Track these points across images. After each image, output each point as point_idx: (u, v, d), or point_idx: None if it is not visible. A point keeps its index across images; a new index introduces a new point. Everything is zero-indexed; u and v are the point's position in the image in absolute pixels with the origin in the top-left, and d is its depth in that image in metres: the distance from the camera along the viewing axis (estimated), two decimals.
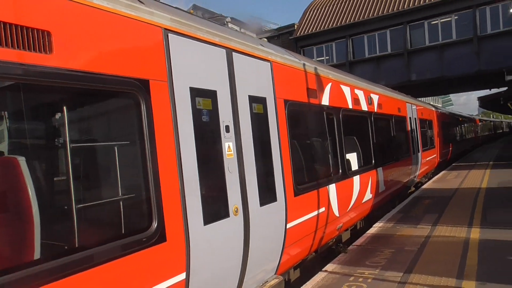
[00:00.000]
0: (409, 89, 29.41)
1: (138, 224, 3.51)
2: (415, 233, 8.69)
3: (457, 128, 32.44)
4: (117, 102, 3.59)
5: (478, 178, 17.00)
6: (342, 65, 28.13)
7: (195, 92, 4.13)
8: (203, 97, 4.25)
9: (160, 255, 3.53)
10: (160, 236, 3.54)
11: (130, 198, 3.50)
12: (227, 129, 4.60)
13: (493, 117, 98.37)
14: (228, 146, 4.60)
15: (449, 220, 9.64)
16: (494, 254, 6.78)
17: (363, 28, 27.65)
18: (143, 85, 3.51)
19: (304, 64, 6.80)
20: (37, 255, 2.76)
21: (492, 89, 36.73)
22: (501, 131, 76.95)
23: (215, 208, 4.33)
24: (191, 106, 4.06)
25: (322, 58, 29.70)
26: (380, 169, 10.45)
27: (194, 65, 4.21)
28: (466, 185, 15.27)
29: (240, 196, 4.73)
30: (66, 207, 3.08)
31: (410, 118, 15.02)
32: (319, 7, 30.97)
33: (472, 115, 56.36)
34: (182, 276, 3.78)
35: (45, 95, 3.17)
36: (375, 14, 27.11)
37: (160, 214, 3.55)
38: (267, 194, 5.26)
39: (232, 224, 4.58)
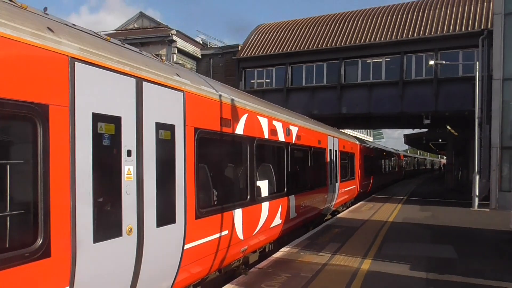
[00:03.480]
0: (341, 120, 31.17)
1: (22, 240, 3.71)
2: (315, 260, 9.34)
3: (380, 161, 34.57)
4: (13, 124, 3.80)
5: (389, 212, 18.32)
6: (280, 90, 29.24)
7: (98, 118, 4.42)
8: (106, 122, 4.54)
9: (43, 270, 3.74)
10: (44, 252, 3.76)
11: (16, 215, 3.70)
12: (129, 153, 4.91)
13: (420, 154, 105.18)
14: (128, 169, 4.90)
15: (349, 250, 10.42)
16: (375, 285, 7.53)
17: (302, 58, 28.98)
18: (42, 109, 3.76)
19: (220, 95, 7.27)
20: None
21: (415, 129, 39.65)
22: (423, 167, 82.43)
23: (106, 227, 4.59)
24: (91, 130, 4.34)
25: (262, 81, 30.67)
26: (292, 197, 11.11)
27: (100, 92, 4.50)
28: (376, 218, 16.42)
29: (136, 217, 5.02)
30: None
31: (330, 150, 16.01)
32: (264, 32, 32.05)
33: (398, 150, 59.97)
34: None
35: None
36: (314, 47, 28.57)
37: (46, 231, 3.77)
38: (165, 216, 5.59)
39: (124, 243, 4.85)
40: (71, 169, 4.09)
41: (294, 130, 11.41)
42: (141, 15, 33.73)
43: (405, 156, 60.18)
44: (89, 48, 4.38)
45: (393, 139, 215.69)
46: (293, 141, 11.37)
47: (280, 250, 10.38)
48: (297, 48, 29.16)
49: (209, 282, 8.07)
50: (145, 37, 30.41)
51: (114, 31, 32.34)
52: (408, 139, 51.01)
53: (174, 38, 29.56)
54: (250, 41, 31.81)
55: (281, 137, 10.41)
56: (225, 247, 7.51)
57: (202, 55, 32.68)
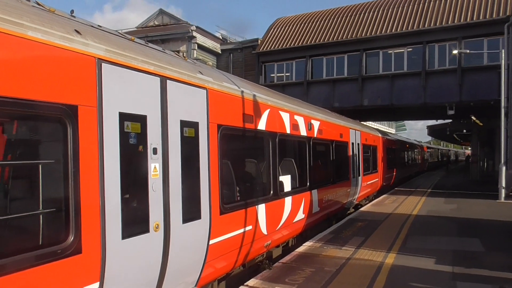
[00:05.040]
0: (363, 113, 30.84)
1: (55, 237, 3.83)
2: (339, 254, 9.34)
3: (403, 154, 34.10)
4: (46, 125, 3.92)
5: (413, 205, 18.11)
6: (300, 83, 29.11)
7: (124, 117, 4.51)
8: (132, 121, 4.63)
9: (75, 266, 3.87)
10: (75, 249, 3.87)
11: (50, 213, 3.82)
12: (155, 151, 5.00)
13: (443, 145, 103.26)
14: (154, 166, 4.99)
15: (373, 244, 10.37)
16: (400, 279, 7.49)
17: (322, 50, 28.75)
18: (71, 110, 3.87)
19: (242, 92, 7.31)
20: None
21: (438, 120, 38.89)
22: (446, 159, 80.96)
23: (134, 224, 4.69)
24: (118, 129, 4.43)
25: (282, 75, 30.58)
26: (315, 191, 11.10)
27: (126, 91, 4.59)
28: (400, 211, 16.27)
29: (162, 213, 5.12)
30: None
31: (352, 143, 15.89)
32: (283, 25, 31.90)
33: (421, 142, 59.07)
34: (96, 285, 4.12)
35: None
36: (334, 39, 28.29)
37: (77, 228, 3.89)
38: (190, 212, 5.67)
39: (151, 239, 4.95)
40: (100, 168, 4.19)
41: (315, 124, 11.37)
42: (161, 12, 34.00)
43: (428, 147, 59.19)
44: (114, 49, 4.46)
45: (416, 131, 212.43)
46: (315, 135, 11.34)
47: (304, 244, 10.41)
48: (317, 41, 28.94)
49: (234, 276, 8.15)
50: (166, 34, 30.63)
51: (135, 29, 32.71)
52: (432, 130, 50.07)
53: (194, 34, 29.69)
54: (269, 35, 31.71)
55: (303, 131, 10.40)
56: (249, 242, 7.58)
57: (222, 50, 32.74)
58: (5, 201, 3.61)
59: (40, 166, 3.76)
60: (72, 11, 4.66)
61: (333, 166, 13.44)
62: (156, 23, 33.25)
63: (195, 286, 6.19)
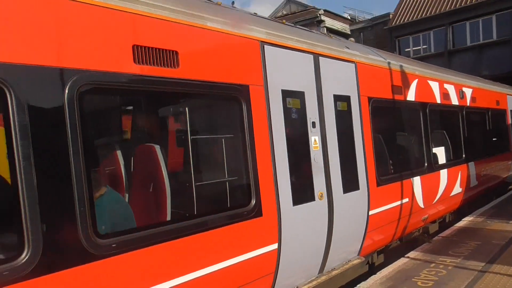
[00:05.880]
0: None
1: (240, 201, 4.39)
2: (506, 228, 8.62)
3: None
4: (224, 104, 4.50)
5: None
6: (440, 54, 26.98)
7: (286, 94, 4.90)
8: (292, 97, 5.00)
9: (258, 227, 4.38)
10: (257, 212, 4.38)
11: (235, 180, 4.40)
12: (313, 124, 5.30)
13: None
14: (314, 139, 5.31)
15: None
16: None
17: (465, 14, 26.17)
18: (244, 90, 4.36)
19: (389, 63, 7.21)
20: (168, 217, 3.78)
21: None
22: None
23: (302, 192, 5.07)
24: (282, 105, 4.83)
25: (419, 48, 28.73)
26: (471, 164, 10.35)
27: (285, 70, 4.97)
28: None
29: (324, 183, 5.42)
30: (187, 185, 4.07)
31: (511, 111, 14.33)
32: None
33: None
34: (275, 246, 4.60)
35: (173, 99, 4.17)
36: None
37: (257, 194, 4.39)
38: (349, 183, 5.87)
39: (317, 207, 5.29)
40: (270, 141, 4.64)
41: (467, 92, 10.57)
42: (288, 1, 34.62)
43: None
44: (273, 32, 4.86)
45: None
46: (468, 104, 10.55)
47: (463, 219, 9.83)
48: (457, 5, 26.47)
49: (391, 250, 8.13)
50: (295, 21, 31.16)
51: None
52: None
53: (322, 18, 29.66)
54: (401, 7, 30.01)
55: (454, 100, 9.77)
56: (407, 215, 7.48)
57: (351, 30, 32.07)
58: (201, 169, 4.26)
59: (223, 140, 4.33)
60: (232, 3, 5.21)
61: (490, 136, 12.33)
62: (284, 12, 34.00)
63: (358, 255, 6.38)
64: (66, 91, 2.98)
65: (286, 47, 5.02)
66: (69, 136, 2.96)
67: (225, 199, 4.36)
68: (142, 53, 3.49)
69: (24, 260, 2.68)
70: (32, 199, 2.73)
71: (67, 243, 2.93)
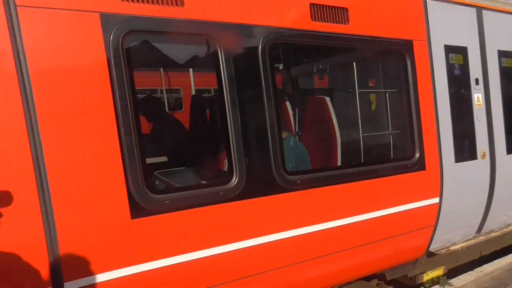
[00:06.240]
0: None
1: (405, 153, 4.55)
2: None
3: None
4: (389, 59, 4.65)
5: None
6: None
7: (448, 49, 4.83)
8: (455, 53, 4.91)
9: (421, 180, 4.50)
10: (421, 165, 4.49)
11: (399, 133, 4.57)
12: (477, 81, 5.14)
13: None
14: (477, 97, 5.16)
15: None
16: None
17: None
18: (408, 45, 4.45)
19: None
20: (339, 163, 4.13)
21: None
22: None
23: (464, 149, 5.02)
24: (445, 61, 4.79)
25: None
26: None
27: (447, 25, 4.89)
28: None
29: (487, 142, 5.25)
30: (355, 135, 4.37)
31: None
32: None
33: None
34: (436, 200, 4.67)
35: (343, 54, 4.49)
36: None
37: (421, 148, 4.50)
38: None
39: (479, 166, 5.17)
40: (433, 97, 4.66)
41: None
42: None
43: None
44: None
45: None
46: None
47: None
48: None
49: None
50: None
51: None
52: None
53: None
54: None
55: None
56: None
57: None
58: (368, 121, 4.52)
59: (387, 94, 4.50)
60: None
61: None
62: None
63: None
64: (260, 46, 3.46)
65: (448, 0, 4.93)
66: (263, 84, 3.44)
67: (390, 151, 4.55)
68: (318, 11, 3.81)
69: (233, 184, 3.26)
70: (238, 136, 3.27)
71: (263, 175, 3.45)
